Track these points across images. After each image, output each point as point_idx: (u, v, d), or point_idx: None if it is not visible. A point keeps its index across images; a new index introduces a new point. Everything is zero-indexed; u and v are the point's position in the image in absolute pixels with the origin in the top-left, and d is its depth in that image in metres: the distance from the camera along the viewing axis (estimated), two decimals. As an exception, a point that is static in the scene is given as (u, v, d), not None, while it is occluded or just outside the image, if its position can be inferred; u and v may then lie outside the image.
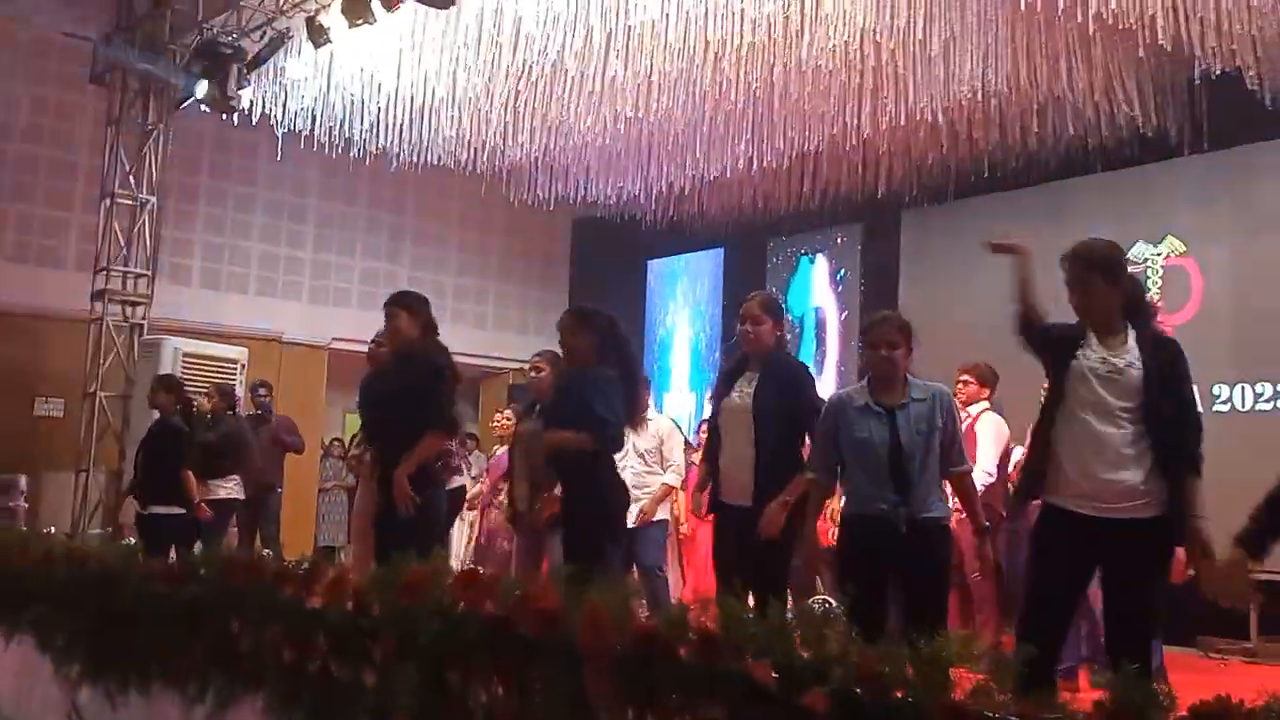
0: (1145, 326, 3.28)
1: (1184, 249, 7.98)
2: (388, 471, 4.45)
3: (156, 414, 6.86)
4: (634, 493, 6.06)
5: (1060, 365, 3.24)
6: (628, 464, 5.69)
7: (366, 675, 2.90)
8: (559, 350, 4.55)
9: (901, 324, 3.73)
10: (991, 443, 5.80)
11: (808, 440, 4.20)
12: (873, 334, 3.71)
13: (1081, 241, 3.36)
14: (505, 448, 7.40)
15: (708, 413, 4.86)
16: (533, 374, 5.61)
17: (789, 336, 10.67)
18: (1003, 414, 5.99)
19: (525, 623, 2.54)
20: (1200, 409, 3.33)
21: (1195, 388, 3.32)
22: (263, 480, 8.19)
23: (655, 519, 6.05)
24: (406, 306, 4.63)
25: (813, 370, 10.57)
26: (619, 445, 4.39)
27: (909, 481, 3.55)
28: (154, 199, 9.73)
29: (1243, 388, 7.56)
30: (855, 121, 7.77)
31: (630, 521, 5.95)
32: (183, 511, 6.48)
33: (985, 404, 6.04)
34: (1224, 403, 7.50)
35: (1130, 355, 3.18)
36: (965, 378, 6.03)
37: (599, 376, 4.27)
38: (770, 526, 3.97)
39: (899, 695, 1.92)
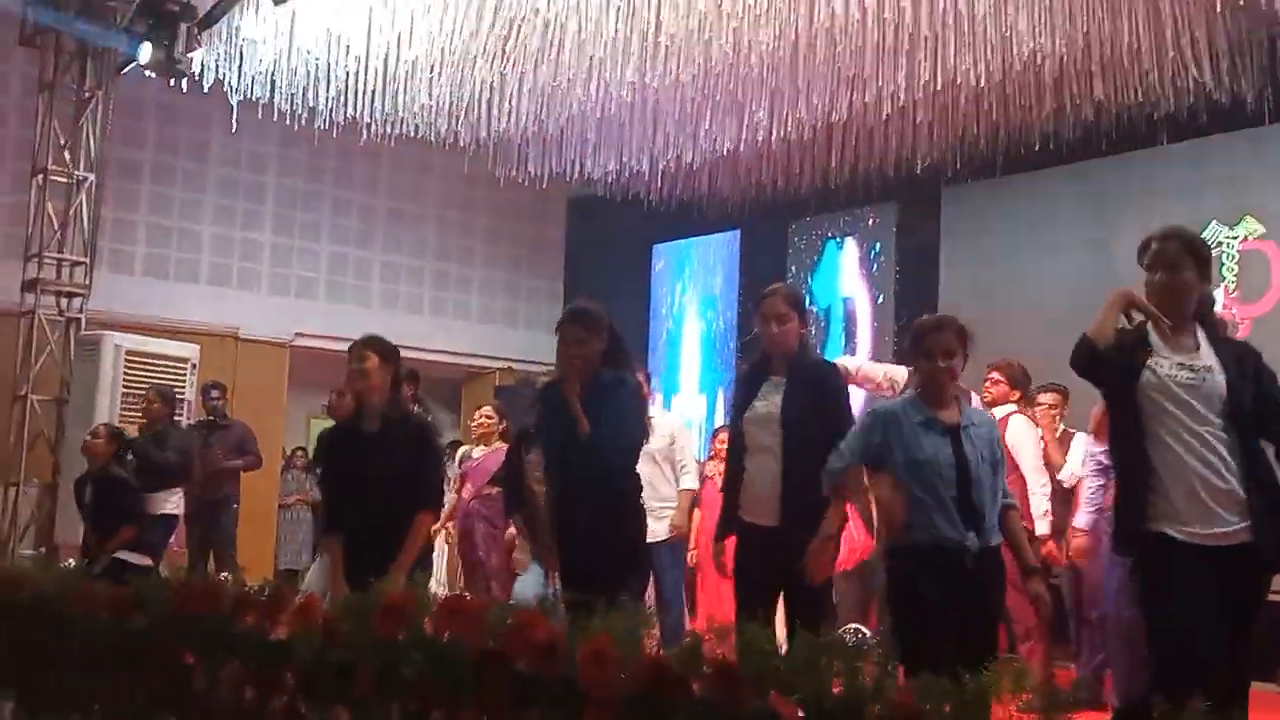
0: (1214, 330, 3.32)
1: (1263, 231, 7.99)
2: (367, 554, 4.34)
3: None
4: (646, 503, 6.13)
5: (1128, 378, 3.22)
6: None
7: (340, 715, 2.92)
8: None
9: (960, 329, 3.75)
10: (1033, 451, 5.95)
11: None
12: (929, 341, 3.72)
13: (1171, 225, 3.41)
14: (485, 449, 7.46)
15: (721, 420, 4.89)
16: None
17: (814, 331, 10.86)
18: (1033, 416, 6.24)
19: (519, 655, 2.57)
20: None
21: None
22: (215, 494, 8.24)
23: (665, 539, 6.10)
24: (379, 352, 4.61)
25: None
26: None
27: (977, 509, 3.59)
28: (92, 176, 9.75)
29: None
30: (889, 88, 7.78)
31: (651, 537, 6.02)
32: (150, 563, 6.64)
33: (1014, 406, 6.17)
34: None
35: (1209, 359, 3.21)
36: (995, 375, 6.18)
37: (627, 386, 4.29)
38: (820, 570, 3.97)
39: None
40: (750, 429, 4.24)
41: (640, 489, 4.41)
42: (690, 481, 6.22)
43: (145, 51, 8.81)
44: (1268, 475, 3.16)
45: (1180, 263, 3.24)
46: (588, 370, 4.29)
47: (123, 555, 6.57)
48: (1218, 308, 7.30)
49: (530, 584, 5.63)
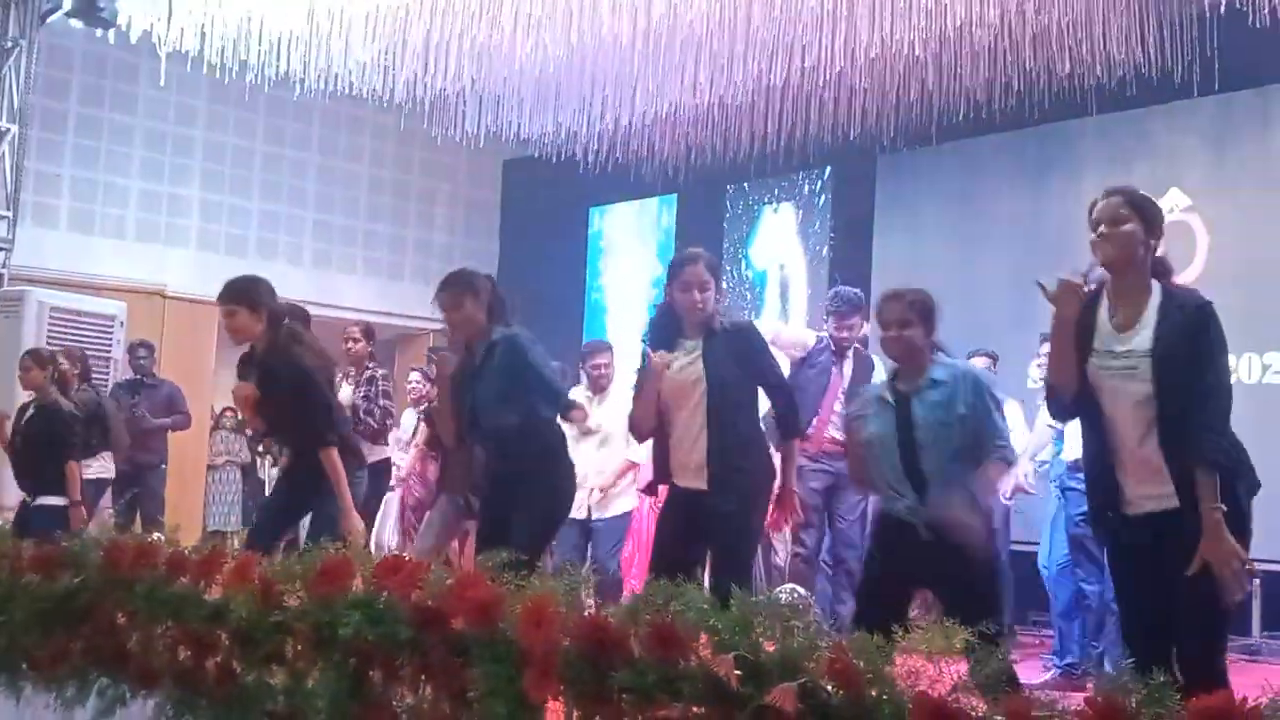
0: (1169, 296, 3.19)
1: (1189, 203, 8.17)
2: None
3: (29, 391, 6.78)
4: (593, 478, 6.16)
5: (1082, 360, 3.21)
6: (580, 445, 5.81)
7: (276, 675, 2.93)
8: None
9: (915, 299, 3.76)
10: None
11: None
12: (881, 313, 3.78)
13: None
14: (420, 414, 7.45)
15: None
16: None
17: (748, 295, 10.92)
18: None
19: (458, 615, 2.59)
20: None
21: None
22: (144, 456, 8.14)
23: (618, 512, 6.16)
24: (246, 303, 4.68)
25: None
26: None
27: (924, 479, 3.61)
28: (14, 128, 9.52)
29: (1250, 358, 7.79)
30: (826, 53, 7.82)
31: (584, 509, 6.07)
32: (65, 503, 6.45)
33: None
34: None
35: (1144, 339, 3.13)
36: None
37: (519, 338, 4.39)
38: (793, 516, 4.27)
39: (873, 692, 2.00)
40: (671, 391, 4.23)
41: (552, 443, 4.49)
42: (638, 452, 6.21)
43: (70, -1, 8.59)
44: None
45: (1122, 216, 3.18)
46: (469, 334, 4.45)
47: (45, 500, 6.40)
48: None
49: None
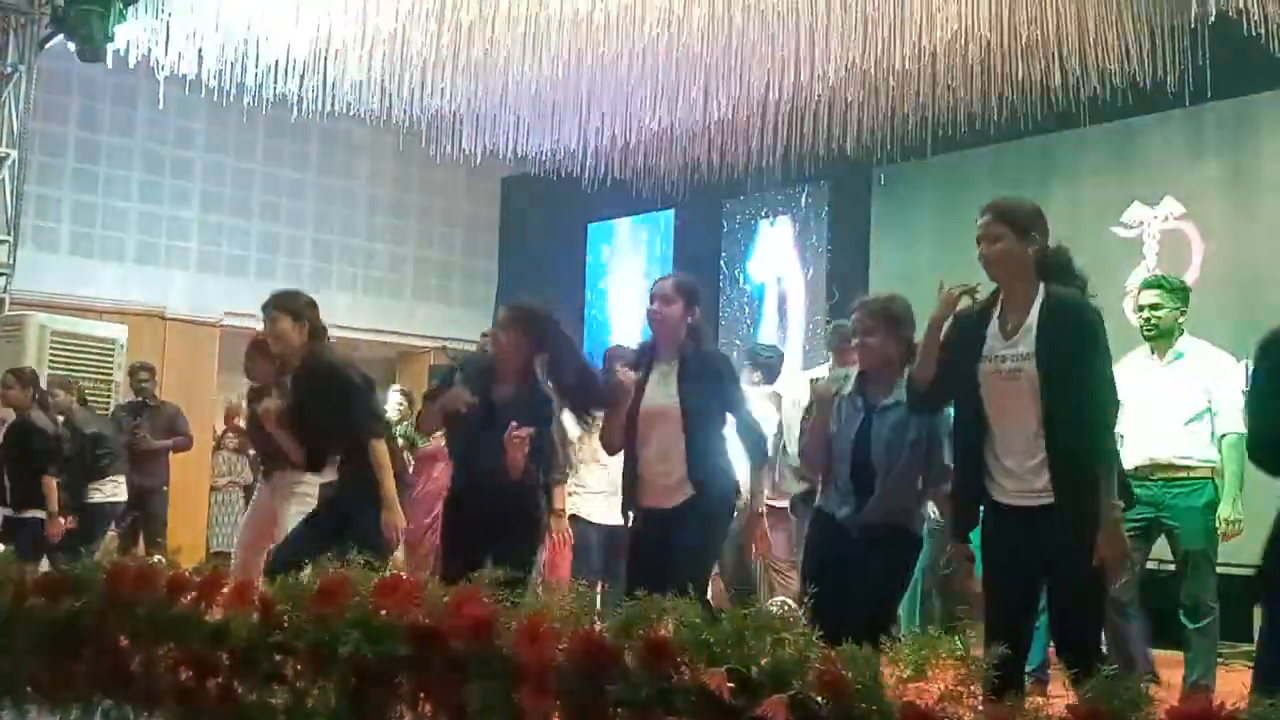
0: (1055, 295, 3.37)
1: (1183, 211, 8.21)
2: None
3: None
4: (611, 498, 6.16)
5: (968, 360, 3.44)
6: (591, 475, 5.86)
7: (277, 695, 2.96)
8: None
9: (882, 308, 3.87)
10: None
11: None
12: (853, 320, 3.90)
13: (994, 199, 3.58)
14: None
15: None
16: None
17: (746, 309, 10.96)
18: None
19: (455, 633, 2.62)
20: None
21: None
22: (147, 478, 8.18)
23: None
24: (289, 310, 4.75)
25: (778, 346, 10.66)
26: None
27: (870, 488, 3.76)
28: (14, 152, 9.60)
29: (1246, 364, 7.80)
30: (820, 67, 7.88)
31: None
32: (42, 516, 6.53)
33: None
34: (1225, 381, 7.75)
35: (1028, 343, 3.32)
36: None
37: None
38: (763, 540, 4.43)
39: (863, 703, 2.03)
40: (646, 418, 4.29)
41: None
42: None
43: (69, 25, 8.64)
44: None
45: (993, 234, 3.40)
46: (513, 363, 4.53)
47: (30, 513, 6.48)
48: (1132, 279, 7.55)
49: None
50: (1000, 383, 3.33)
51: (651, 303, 4.35)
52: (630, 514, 4.47)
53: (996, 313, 3.41)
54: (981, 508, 3.42)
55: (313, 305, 4.83)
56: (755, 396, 6.80)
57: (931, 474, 3.81)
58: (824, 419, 3.91)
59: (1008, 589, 3.31)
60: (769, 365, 6.82)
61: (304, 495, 5.48)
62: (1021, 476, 3.29)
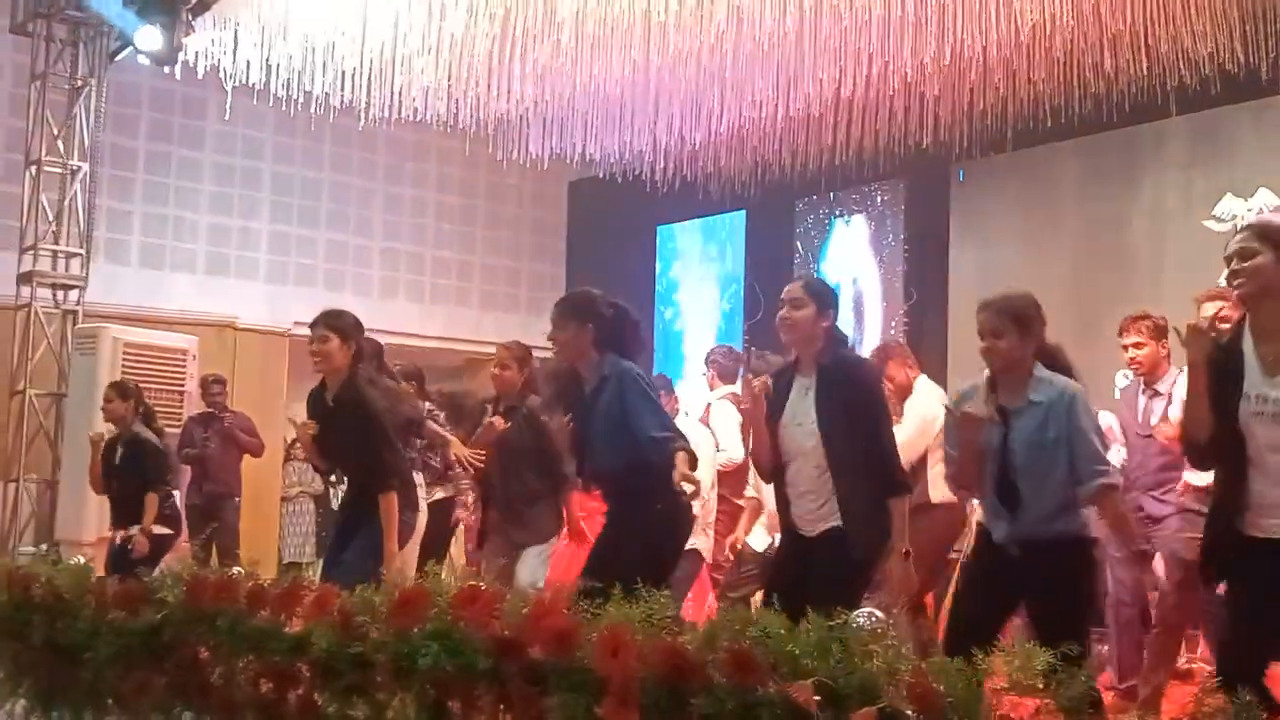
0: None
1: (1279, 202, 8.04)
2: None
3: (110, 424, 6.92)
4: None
5: None
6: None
7: (357, 707, 3.01)
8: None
9: (1008, 306, 3.75)
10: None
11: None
12: (980, 321, 3.78)
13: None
14: None
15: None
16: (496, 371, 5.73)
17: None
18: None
19: (535, 644, 2.65)
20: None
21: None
22: (219, 488, 8.36)
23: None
24: (338, 330, 4.82)
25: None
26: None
27: (1018, 500, 3.64)
28: (86, 166, 9.83)
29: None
30: (896, 61, 7.82)
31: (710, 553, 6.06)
32: (170, 533, 6.59)
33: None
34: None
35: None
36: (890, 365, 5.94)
37: (627, 374, 4.33)
38: (907, 585, 4.11)
39: (956, 717, 2.02)
40: (787, 445, 4.13)
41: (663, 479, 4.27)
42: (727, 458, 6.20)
43: (144, 37, 8.83)
44: None
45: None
46: (574, 358, 4.48)
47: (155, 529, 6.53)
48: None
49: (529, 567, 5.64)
50: (1269, 427, 3.10)
51: (780, 306, 4.19)
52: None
53: (1249, 345, 3.19)
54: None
55: (360, 327, 4.89)
56: (714, 399, 6.81)
57: (1086, 470, 3.65)
58: (975, 440, 3.72)
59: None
60: (727, 367, 6.80)
61: None
62: None
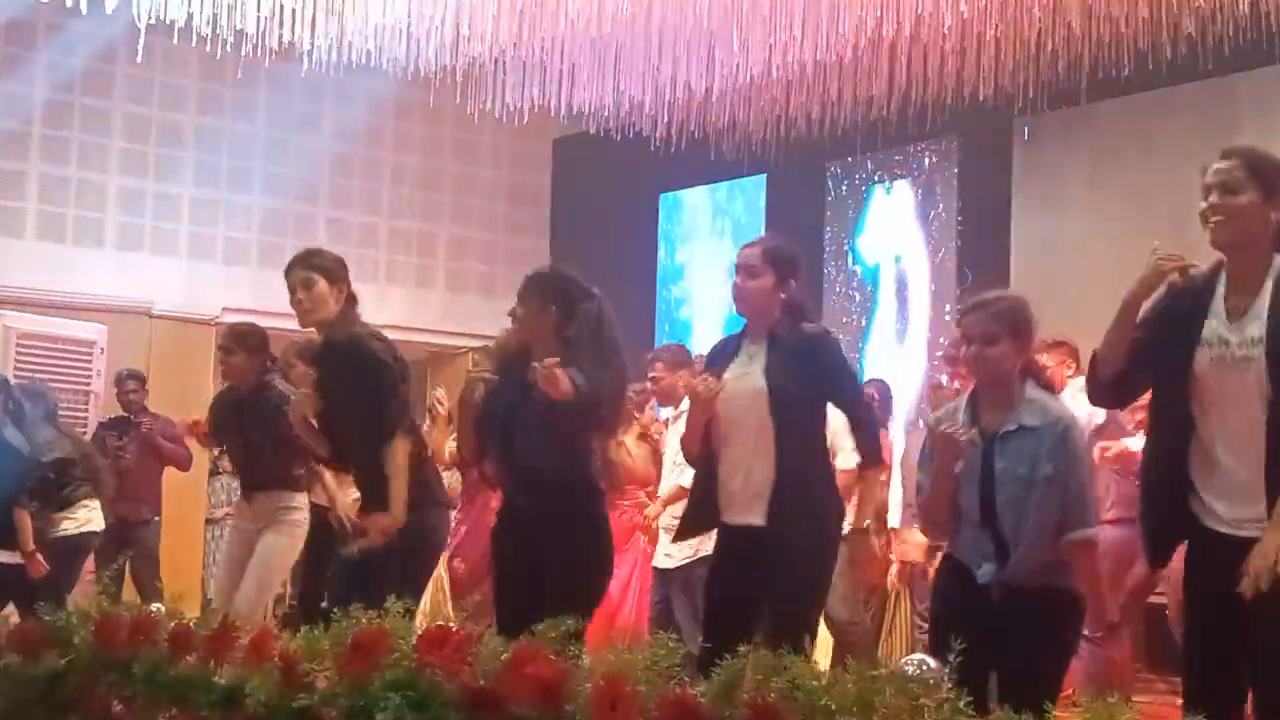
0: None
1: None
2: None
3: None
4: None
5: None
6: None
7: (302, 770, 3.02)
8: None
9: (1004, 309, 3.81)
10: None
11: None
12: (962, 322, 3.89)
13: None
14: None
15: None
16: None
17: (857, 296, 10.93)
18: None
19: (515, 696, 2.66)
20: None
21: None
22: (134, 509, 8.36)
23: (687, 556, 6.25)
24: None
25: (895, 344, 10.61)
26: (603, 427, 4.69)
27: (1002, 538, 3.71)
28: (-28, 119, 9.84)
29: None
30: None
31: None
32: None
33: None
34: None
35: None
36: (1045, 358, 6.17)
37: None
38: (876, 569, 4.32)
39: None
40: (726, 408, 4.33)
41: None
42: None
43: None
44: None
45: (1236, 182, 3.38)
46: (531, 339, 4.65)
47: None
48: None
49: None
50: (1222, 374, 3.32)
51: (736, 276, 4.42)
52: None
53: (1220, 288, 3.41)
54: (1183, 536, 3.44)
55: (344, 264, 5.08)
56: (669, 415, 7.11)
57: (1070, 515, 3.72)
58: (950, 464, 3.78)
59: (1214, 642, 3.31)
60: (678, 364, 6.96)
61: (294, 521, 5.66)
62: (1242, 495, 3.28)
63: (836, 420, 6.14)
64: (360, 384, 4.79)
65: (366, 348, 4.85)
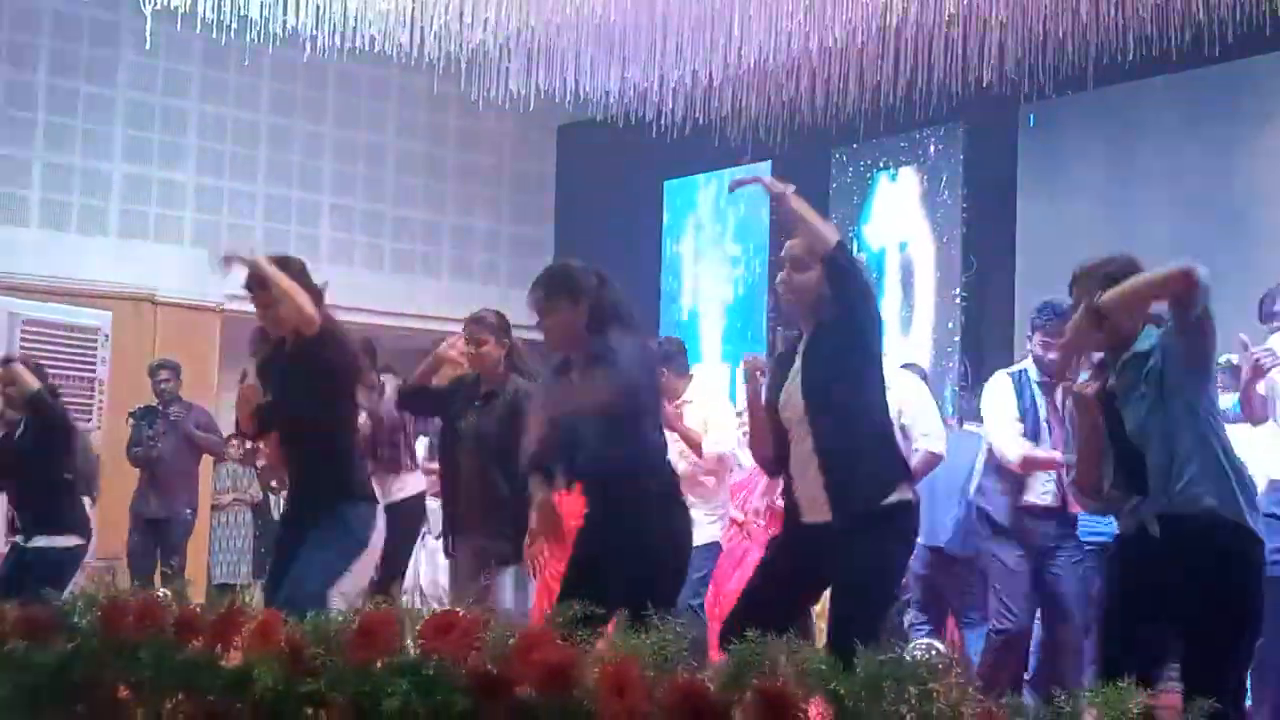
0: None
1: None
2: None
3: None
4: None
5: None
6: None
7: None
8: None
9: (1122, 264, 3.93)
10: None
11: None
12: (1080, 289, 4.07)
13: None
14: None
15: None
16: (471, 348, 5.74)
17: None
18: None
19: (524, 681, 2.65)
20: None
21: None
22: (171, 503, 8.41)
23: (703, 541, 6.18)
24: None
25: (898, 331, 10.58)
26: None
27: (1143, 473, 3.69)
28: (-24, 105, 9.83)
29: None
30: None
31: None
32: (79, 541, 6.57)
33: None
34: None
35: None
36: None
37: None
38: None
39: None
40: (785, 409, 4.22)
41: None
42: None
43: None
44: None
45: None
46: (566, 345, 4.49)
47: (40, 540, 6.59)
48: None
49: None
50: None
51: (781, 267, 4.33)
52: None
53: None
54: None
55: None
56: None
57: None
58: (1096, 426, 3.79)
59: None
60: (672, 356, 6.88)
61: None
62: None
63: (909, 401, 6.12)
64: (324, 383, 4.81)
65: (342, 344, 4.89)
